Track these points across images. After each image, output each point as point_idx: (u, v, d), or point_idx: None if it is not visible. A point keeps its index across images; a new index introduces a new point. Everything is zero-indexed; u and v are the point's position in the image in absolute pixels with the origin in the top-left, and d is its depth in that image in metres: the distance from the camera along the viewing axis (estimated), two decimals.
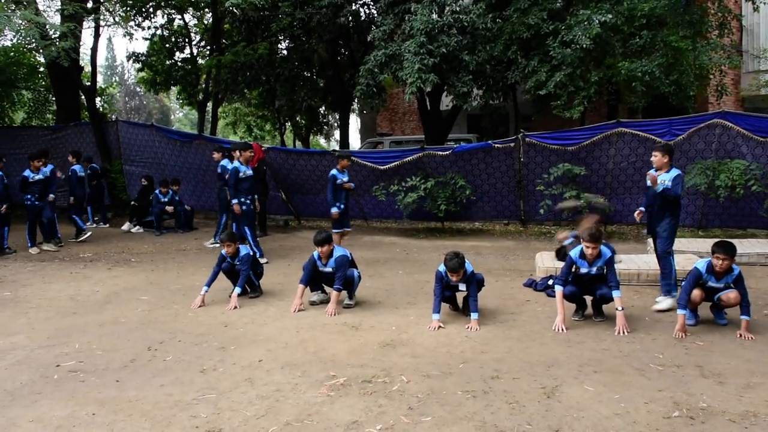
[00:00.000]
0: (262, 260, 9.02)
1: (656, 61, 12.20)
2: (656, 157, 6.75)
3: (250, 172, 9.83)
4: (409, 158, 12.37)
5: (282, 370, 4.77)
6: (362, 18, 17.68)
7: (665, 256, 6.67)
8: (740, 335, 5.46)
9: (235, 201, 9.52)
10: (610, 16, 12.14)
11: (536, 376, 4.55)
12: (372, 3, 17.38)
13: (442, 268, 6.02)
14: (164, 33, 19.99)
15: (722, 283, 5.68)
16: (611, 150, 11.71)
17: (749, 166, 10.74)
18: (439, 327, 5.88)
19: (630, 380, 4.46)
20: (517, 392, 4.24)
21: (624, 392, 4.22)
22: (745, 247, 9.43)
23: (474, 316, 5.94)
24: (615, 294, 5.72)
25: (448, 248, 8.05)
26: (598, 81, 12.73)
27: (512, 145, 12.12)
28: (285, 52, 19.86)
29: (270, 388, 4.38)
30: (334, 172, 9.95)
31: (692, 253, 8.88)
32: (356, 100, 21.74)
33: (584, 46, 12.08)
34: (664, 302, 6.51)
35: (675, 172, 6.59)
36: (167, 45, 20.03)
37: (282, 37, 18.75)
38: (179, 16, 20.20)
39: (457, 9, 13.46)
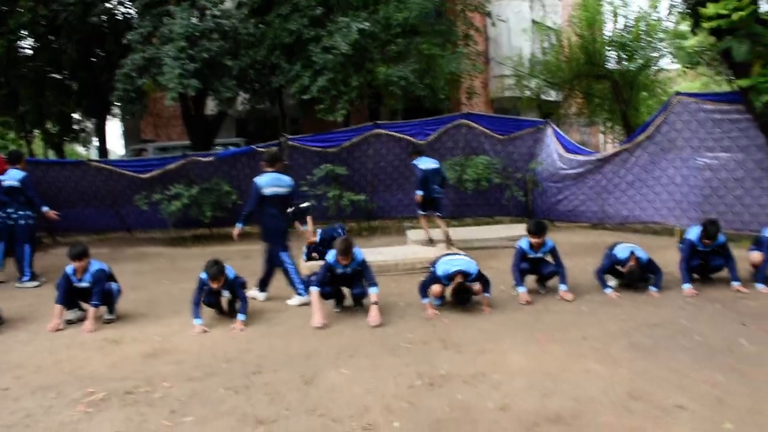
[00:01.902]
0: (31, 284, 8.51)
1: (411, 66, 13.23)
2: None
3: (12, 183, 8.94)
4: (172, 165, 12.09)
5: (33, 394, 4.51)
6: (118, 18, 16.87)
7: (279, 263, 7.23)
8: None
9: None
10: (367, 24, 12.91)
11: (296, 367, 4.85)
12: (128, 3, 16.67)
13: (204, 275, 6.11)
14: None
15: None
16: (370, 150, 12.61)
17: (491, 161, 12.21)
18: (204, 331, 5.92)
19: (382, 361, 4.93)
20: (278, 383, 4.52)
21: (376, 372, 4.68)
22: (491, 233, 10.87)
23: (240, 317, 6.12)
24: (372, 291, 6.19)
25: (217, 254, 8.12)
26: (359, 85, 13.46)
27: (276, 148, 12.38)
28: (30, 51, 18.23)
29: (17, 416, 4.13)
30: None
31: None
32: (114, 106, 20.64)
33: (344, 51, 12.71)
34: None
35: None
36: None
37: (25, 34, 17.16)
38: None
39: (218, 14, 13.45)
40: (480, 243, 10.33)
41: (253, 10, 14.45)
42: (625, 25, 15.86)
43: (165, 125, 24.69)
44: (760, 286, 6.69)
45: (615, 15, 16.06)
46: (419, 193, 9.54)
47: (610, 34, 16.23)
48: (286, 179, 7.27)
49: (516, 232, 10.61)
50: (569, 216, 12.60)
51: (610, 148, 13.42)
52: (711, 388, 4.13)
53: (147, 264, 10.39)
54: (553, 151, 12.52)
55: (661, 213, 11.08)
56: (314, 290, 6.18)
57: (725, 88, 12.34)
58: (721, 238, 6.90)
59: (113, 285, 6.64)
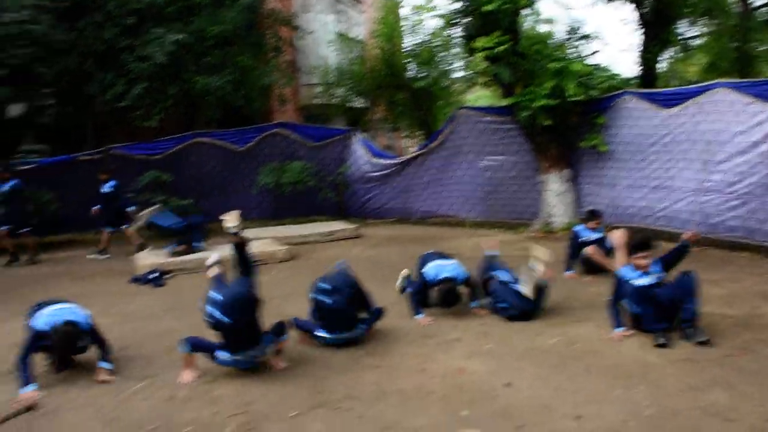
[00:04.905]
0: None
1: (226, 77, 14.35)
2: None
3: None
4: None
5: None
6: None
7: None
8: None
9: None
10: (183, 35, 13.80)
11: None
12: None
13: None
14: None
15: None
16: (192, 157, 13.77)
17: (305, 166, 13.99)
18: None
19: None
20: None
21: None
22: (309, 229, 12.74)
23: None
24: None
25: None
26: (174, 94, 14.30)
27: (99, 156, 13.04)
28: None
29: None
30: None
31: (271, 238, 11.37)
32: None
33: (159, 61, 13.53)
34: None
35: None
36: None
37: None
38: None
39: (21, 19, 13.50)
40: (301, 239, 11.97)
41: (61, 15, 14.64)
42: (422, 42, 18.01)
43: None
44: None
45: (411, 31, 18.19)
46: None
47: (409, 48, 18.32)
48: None
49: (330, 228, 12.68)
50: (378, 213, 14.70)
51: (412, 152, 15.54)
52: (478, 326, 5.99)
53: None
54: (360, 156, 14.57)
55: (454, 207, 13.38)
56: None
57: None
58: None
59: None
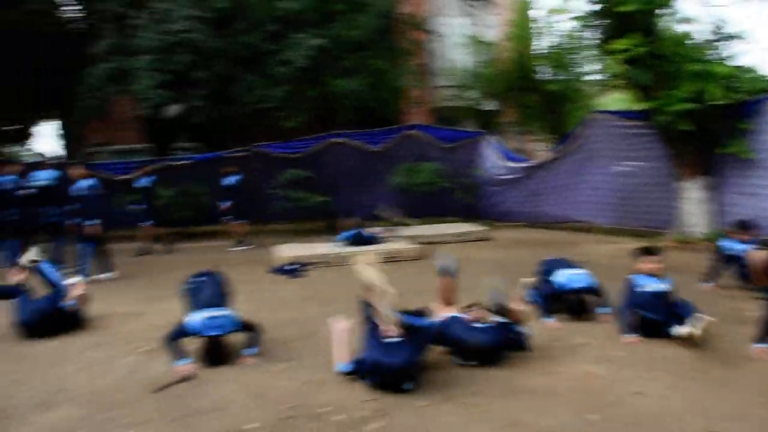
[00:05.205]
0: None
1: (362, 80, 14.96)
2: None
3: None
4: (149, 167, 13.49)
5: None
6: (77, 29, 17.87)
7: None
8: None
9: None
10: (322, 40, 14.53)
11: None
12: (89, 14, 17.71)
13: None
14: None
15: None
16: (329, 157, 14.56)
17: (437, 167, 14.34)
18: None
19: None
20: None
21: None
22: (440, 229, 13.11)
23: None
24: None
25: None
26: (315, 97, 15.09)
27: (245, 154, 14.02)
28: None
29: None
30: None
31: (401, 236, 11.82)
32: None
33: (300, 65, 14.31)
34: None
35: None
36: None
37: None
38: None
39: (184, 28, 14.75)
40: (430, 238, 12.27)
41: (214, 24, 15.79)
42: (554, 44, 17.91)
43: (110, 128, 25.45)
44: None
45: (544, 33, 18.13)
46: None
47: (541, 50, 18.27)
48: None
49: (460, 229, 13.00)
50: (507, 216, 14.84)
51: (542, 156, 15.53)
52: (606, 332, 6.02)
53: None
54: (491, 159, 14.75)
55: (584, 213, 13.26)
56: None
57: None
58: None
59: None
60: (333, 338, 5.22)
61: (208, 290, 5.77)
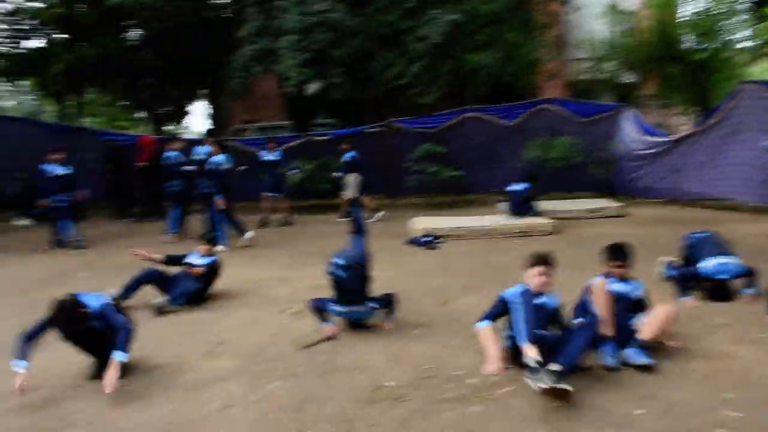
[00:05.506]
0: None
1: (496, 55, 14.99)
2: None
3: None
4: (293, 143, 14.27)
5: None
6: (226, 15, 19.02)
7: None
8: None
9: None
10: (457, 15, 14.66)
11: None
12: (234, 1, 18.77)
13: None
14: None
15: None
16: (463, 131, 14.71)
17: (573, 142, 14.15)
18: None
19: None
20: None
21: None
22: (575, 205, 12.97)
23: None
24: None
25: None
26: (449, 72, 15.29)
27: (382, 129, 14.51)
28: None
29: None
30: None
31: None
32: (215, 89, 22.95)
33: (435, 41, 14.54)
34: None
35: None
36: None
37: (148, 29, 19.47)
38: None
39: (323, 9, 15.36)
40: (565, 214, 12.19)
41: (352, 2, 16.29)
42: (701, 10, 17.01)
43: (254, 106, 26.85)
44: None
45: None
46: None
47: (685, 17, 17.42)
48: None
49: (595, 205, 12.79)
50: (645, 192, 14.36)
51: (686, 130, 14.92)
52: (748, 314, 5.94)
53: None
54: (629, 133, 14.34)
55: (730, 191, 12.62)
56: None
57: None
58: None
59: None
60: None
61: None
